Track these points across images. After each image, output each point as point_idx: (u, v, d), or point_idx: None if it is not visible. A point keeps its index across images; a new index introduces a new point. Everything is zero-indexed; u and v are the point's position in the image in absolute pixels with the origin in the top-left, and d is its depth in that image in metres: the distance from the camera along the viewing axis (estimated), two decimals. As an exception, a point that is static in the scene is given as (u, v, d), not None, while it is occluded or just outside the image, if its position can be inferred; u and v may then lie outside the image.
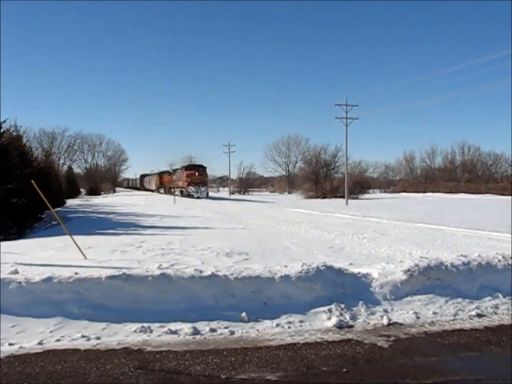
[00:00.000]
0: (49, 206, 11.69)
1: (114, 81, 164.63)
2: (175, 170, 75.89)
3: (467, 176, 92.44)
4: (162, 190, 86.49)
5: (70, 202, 50.01)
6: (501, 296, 8.21)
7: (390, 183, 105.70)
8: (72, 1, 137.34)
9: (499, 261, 8.97)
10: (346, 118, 47.55)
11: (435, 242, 14.36)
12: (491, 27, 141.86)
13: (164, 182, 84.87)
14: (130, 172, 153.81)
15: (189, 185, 62.85)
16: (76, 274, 7.52)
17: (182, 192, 66.08)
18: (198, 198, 59.76)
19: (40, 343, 6.13)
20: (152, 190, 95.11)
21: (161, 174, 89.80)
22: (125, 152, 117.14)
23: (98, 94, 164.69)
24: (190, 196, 61.46)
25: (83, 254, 10.60)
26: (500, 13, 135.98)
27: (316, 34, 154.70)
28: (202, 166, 66.85)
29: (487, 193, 74.51)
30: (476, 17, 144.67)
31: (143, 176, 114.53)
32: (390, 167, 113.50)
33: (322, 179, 72.71)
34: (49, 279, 7.30)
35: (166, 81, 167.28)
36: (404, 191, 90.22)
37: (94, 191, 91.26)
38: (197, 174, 63.40)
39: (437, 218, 24.09)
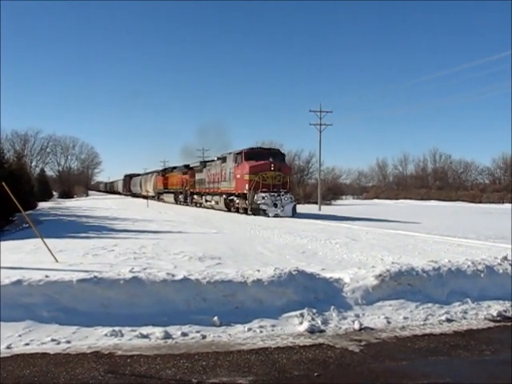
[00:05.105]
0: (20, 208, 11.53)
1: (88, 83, 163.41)
2: (205, 163, 43.91)
3: (438, 183, 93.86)
4: (167, 198, 58.01)
5: (42, 204, 49.28)
6: (470, 301, 8.33)
7: (362, 189, 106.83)
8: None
9: (468, 266, 9.10)
10: (320, 125, 48.08)
11: (407, 247, 14.49)
12: (459, 37, 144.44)
13: (172, 185, 55.70)
14: (103, 175, 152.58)
15: (255, 189, 30.44)
16: (46, 277, 7.42)
17: (228, 202, 35.64)
18: (276, 216, 29.19)
19: (8, 347, 6.02)
20: (145, 197, 64.42)
21: (165, 173, 61.04)
22: (98, 155, 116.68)
23: (71, 96, 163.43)
24: (256, 212, 30.20)
25: (54, 257, 10.46)
26: (472, 16, 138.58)
27: (292, 41, 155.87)
28: (279, 153, 34.35)
29: (457, 200, 75.77)
30: (448, 24, 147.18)
31: (130, 177, 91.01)
32: (363, 174, 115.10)
33: (295, 185, 73.09)
34: (18, 282, 7.18)
35: (139, 85, 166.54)
36: (377, 198, 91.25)
37: (66, 194, 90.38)
38: (272, 167, 31.06)
39: (408, 225, 24.36)
